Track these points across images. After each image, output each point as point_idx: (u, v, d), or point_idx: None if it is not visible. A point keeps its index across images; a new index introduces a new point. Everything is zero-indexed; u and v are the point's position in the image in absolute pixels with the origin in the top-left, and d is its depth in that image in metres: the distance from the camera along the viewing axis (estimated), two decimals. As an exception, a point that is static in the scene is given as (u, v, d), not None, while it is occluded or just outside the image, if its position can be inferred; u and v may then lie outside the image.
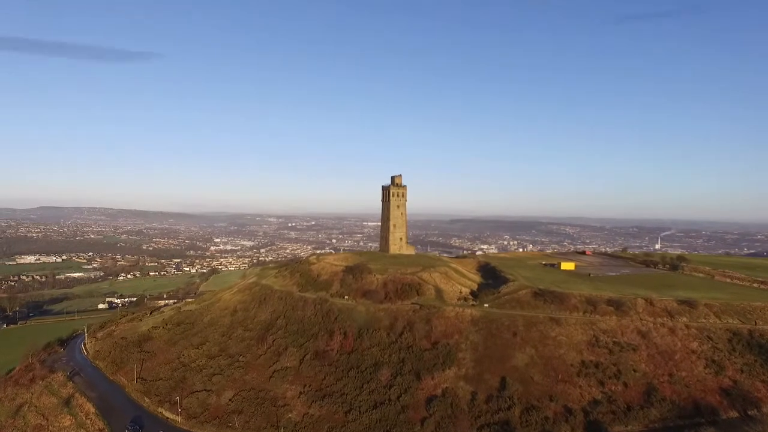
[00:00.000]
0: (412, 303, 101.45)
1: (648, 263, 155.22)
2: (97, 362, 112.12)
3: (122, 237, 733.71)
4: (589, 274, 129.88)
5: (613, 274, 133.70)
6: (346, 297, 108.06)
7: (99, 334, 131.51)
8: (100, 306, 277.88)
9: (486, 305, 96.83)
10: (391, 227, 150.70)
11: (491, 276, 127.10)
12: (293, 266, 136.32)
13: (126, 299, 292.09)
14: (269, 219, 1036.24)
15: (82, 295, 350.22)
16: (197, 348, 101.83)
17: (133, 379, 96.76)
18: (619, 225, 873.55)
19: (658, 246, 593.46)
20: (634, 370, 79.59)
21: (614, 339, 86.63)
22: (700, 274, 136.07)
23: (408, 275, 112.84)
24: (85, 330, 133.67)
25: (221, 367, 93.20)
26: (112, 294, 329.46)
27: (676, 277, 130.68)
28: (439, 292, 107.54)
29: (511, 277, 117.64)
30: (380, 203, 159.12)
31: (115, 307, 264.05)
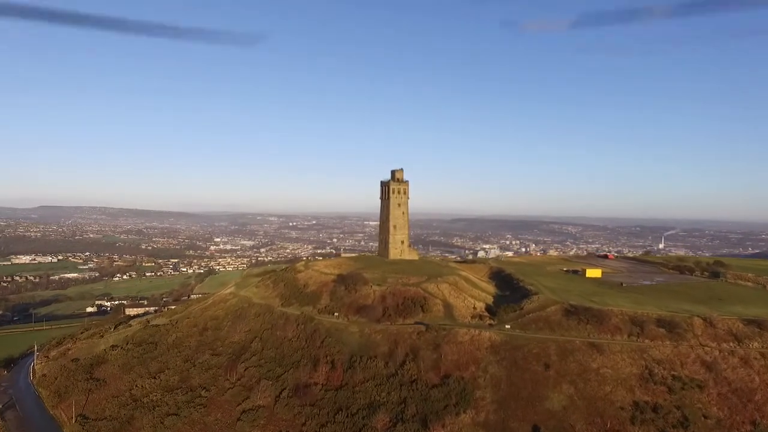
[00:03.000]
0: (416, 322, 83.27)
1: (682, 269, 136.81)
2: (41, 390, 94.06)
3: (121, 236, 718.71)
4: (621, 284, 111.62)
5: (648, 283, 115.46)
6: (336, 314, 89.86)
7: (53, 353, 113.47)
8: (89, 309, 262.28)
9: (507, 326, 78.52)
10: (391, 228, 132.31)
11: (507, 286, 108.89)
12: (278, 274, 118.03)
13: (116, 302, 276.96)
14: (270, 218, 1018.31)
15: (74, 297, 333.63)
16: (154, 377, 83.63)
17: (73, 417, 78.59)
18: (622, 224, 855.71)
19: (661, 246, 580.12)
20: (705, 416, 61.47)
21: (672, 372, 68.44)
22: (748, 283, 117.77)
23: (411, 287, 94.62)
24: (35, 348, 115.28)
25: (178, 404, 74.92)
26: (107, 295, 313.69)
27: (722, 287, 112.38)
28: (448, 307, 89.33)
29: (532, 287, 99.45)
30: (380, 202, 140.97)
31: (104, 311, 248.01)
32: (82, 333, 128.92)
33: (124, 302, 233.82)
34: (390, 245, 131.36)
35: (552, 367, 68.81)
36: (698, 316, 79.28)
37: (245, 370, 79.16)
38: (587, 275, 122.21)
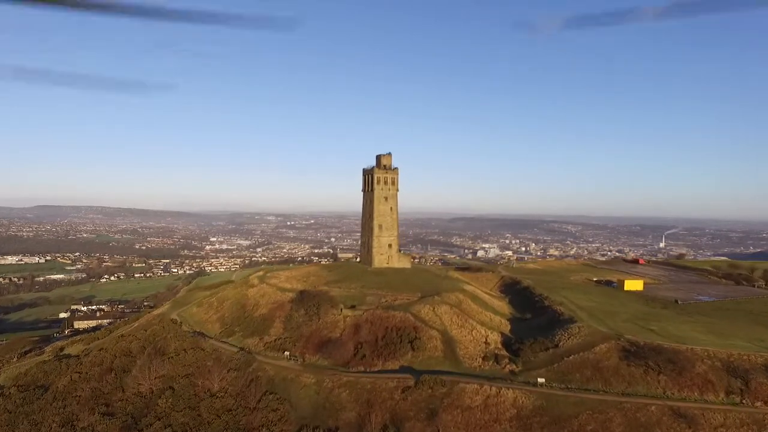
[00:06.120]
0: (402, 368, 56.32)
1: (737, 279, 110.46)
2: None
3: (116, 236, 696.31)
4: (676, 301, 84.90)
5: (707, 298, 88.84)
6: (287, 352, 62.66)
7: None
8: (62, 315, 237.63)
9: (540, 379, 51.38)
10: (376, 228, 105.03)
11: (527, 304, 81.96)
12: (225, 289, 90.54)
13: (94, 306, 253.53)
14: (268, 217, 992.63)
15: (54, 301, 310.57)
16: (13, 450, 56.54)
17: None
18: (622, 223, 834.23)
19: (662, 245, 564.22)
20: None
21: (819, 465, 41.77)
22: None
23: (397, 311, 67.51)
24: None
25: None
26: (89, 299, 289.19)
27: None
28: (448, 342, 62.28)
29: (563, 309, 72.75)
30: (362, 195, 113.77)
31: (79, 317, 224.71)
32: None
33: (76, 310, 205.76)
34: (374, 250, 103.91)
35: (621, 458, 41.88)
36: (824, 360, 52.59)
37: (140, 445, 51.91)
38: (626, 288, 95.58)
